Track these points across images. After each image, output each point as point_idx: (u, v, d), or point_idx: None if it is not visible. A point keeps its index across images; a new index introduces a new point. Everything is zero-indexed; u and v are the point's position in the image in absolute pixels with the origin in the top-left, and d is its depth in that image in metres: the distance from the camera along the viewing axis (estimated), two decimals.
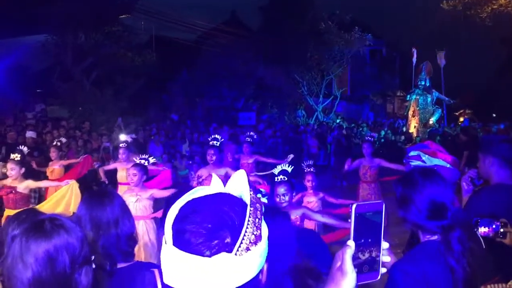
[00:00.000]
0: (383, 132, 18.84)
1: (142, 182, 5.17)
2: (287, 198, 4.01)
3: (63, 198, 5.75)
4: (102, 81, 17.95)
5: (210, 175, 5.88)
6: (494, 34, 23.23)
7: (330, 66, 22.94)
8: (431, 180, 1.92)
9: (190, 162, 11.59)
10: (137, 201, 5.05)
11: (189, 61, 22.83)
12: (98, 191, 2.66)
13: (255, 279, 0.89)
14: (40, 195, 7.87)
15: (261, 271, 0.92)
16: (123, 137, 9.54)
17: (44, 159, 9.11)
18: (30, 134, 10.72)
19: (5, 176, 6.26)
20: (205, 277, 0.83)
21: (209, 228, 0.86)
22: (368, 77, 27.99)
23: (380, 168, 7.23)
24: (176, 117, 20.05)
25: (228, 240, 0.86)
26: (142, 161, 5.38)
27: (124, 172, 6.97)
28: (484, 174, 2.84)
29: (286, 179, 4.09)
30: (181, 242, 0.86)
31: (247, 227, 0.87)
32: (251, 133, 8.93)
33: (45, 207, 5.51)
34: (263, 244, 0.91)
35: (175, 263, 0.86)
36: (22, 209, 2.48)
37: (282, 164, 4.57)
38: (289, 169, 4.35)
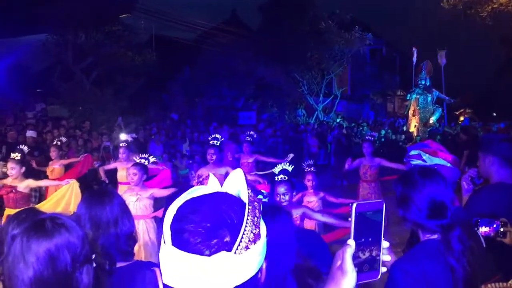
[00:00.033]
0: (383, 132, 18.84)
1: (142, 181, 5.17)
2: (287, 197, 4.01)
3: (63, 197, 5.75)
4: (103, 81, 17.96)
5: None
6: (495, 34, 23.22)
7: (330, 66, 22.93)
8: (431, 179, 1.92)
9: (191, 161, 11.61)
10: (137, 201, 5.05)
11: (189, 60, 22.83)
12: (98, 190, 2.66)
13: (255, 277, 0.89)
14: (41, 194, 7.87)
15: (260, 270, 0.92)
16: (123, 136, 9.55)
17: (44, 159, 9.12)
18: (30, 133, 10.72)
19: (5, 176, 6.26)
20: (204, 276, 0.83)
21: (208, 227, 0.86)
22: (368, 76, 27.99)
23: (380, 168, 7.23)
24: (176, 116, 20.05)
25: (227, 239, 0.86)
26: (142, 161, 5.38)
27: (124, 171, 6.98)
28: (484, 173, 2.85)
29: (287, 178, 4.09)
30: (180, 241, 0.86)
31: (246, 226, 0.87)
32: (251, 132, 8.94)
33: (45, 207, 5.51)
34: (262, 243, 0.91)
35: (174, 263, 0.85)
36: (22, 209, 2.47)
37: (282, 164, 4.57)
38: (290, 169, 4.35)
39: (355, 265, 1.00)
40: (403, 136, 19.24)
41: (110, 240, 1.94)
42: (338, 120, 22.60)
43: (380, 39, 29.20)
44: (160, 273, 0.90)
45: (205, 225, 0.86)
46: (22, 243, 1.26)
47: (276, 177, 4.15)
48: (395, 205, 2.00)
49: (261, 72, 21.59)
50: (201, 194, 0.94)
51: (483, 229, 2.13)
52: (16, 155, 5.76)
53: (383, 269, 1.07)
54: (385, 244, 1.07)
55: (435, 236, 1.87)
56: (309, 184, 5.57)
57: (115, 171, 7.52)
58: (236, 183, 0.96)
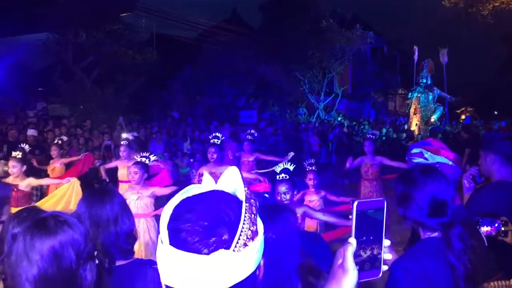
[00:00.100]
0: (384, 130, 18.84)
1: (143, 180, 5.18)
2: (288, 196, 4.01)
3: (64, 195, 5.75)
4: (103, 79, 17.98)
5: (211, 173, 5.90)
6: (496, 32, 23.19)
7: (331, 64, 22.91)
8: (432, 177, 1.91)
9: (192, 160, 11.60)
10: (138, 199, 5.05)
11: (190, 59, 22.83)
12: (99, 189, 2.67)
13: (253, 275, 0.89)
14: (42, 193, 7.87)
15: (258, 267, 0.92)
16: (124, 135, 9.54)
17: (45, 157, 9.13)
18: (31, 132, 10.73)
19: (6, 174, 6.28)
20: (204, 275, 0.83)
21: (205, 225, 0.86)
22: (369, 75, 27.98)
23: (382, 166, 7.22)
24: (177, 115, 20.06)
25: (225, 236, 0.85)
26: (143, 159, 5.38)
27: (125, 170, 6.98)
28: (486, 171, 2.84)
29: (288, 177, 4.08)
30: (177, 241, 0.86)
31: (243, 223, 0.87)
32: (252, 131, 8.94)
33: (46, 205, 5.51)
34: (260, 240, 0.91)
35: (172, 262, 0.85)
36: (23, 207, 2.48)
37: (283, 162, 4.57)
38: (291, 168, 4.34)
39: (356, 264, 1.00)
40: (404, 135, 19.22)
41: (110, 239, 1.94)
42: (339, 119, 22.59)
43: (381, 37, 29.19)
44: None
45: (202, 224, 0.86)
46: (25, 242, 1.26)
47: (277, 176, 4.15)
48: (397, 204, 2.00)
49: (262, 71, 21.58)
50: (196, 193, 0.94)
51: (484, 229, 2.13)
52: (17, 154, 5.78)
53: (384, 268, 1.06)
54: (386, 242, 1.06)
55: (435, 234, 1.87)
56: (310, 183, 5.57)
57: (115, 169, 7.52)
58: (231, 181, 0.96)
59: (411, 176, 1.96)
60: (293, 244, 1.80)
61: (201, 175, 6.30)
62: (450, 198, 1.88)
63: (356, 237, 1.01)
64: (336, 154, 14.54)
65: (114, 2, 17.19)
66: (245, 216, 0.88)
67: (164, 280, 0.88)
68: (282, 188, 4.02)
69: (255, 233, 0.89)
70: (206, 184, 0.98)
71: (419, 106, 21.01)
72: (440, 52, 22.11)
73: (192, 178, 6.60)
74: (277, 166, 4.44)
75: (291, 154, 7.36)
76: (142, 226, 4.97)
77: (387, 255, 1.08)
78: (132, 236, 2.05)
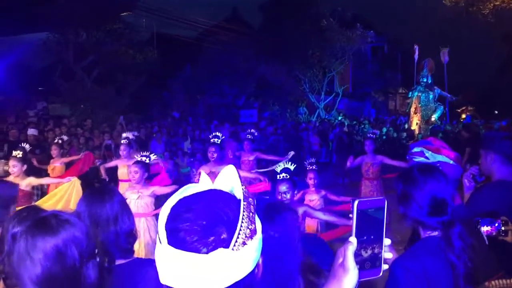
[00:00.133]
0: (385, 129, 18.82)
1: (143, 179, 5.18)
2: (288, 196, 4.01)
3: (64, 195, 5.75)
4: (104, 79, 17.99)
5: (212, 172, 5.90)
6: (497, 31, 23.17)
7: (331, 63, 22.91)
8: (432, 176, 1.91)
9: (192, 159, 11.59)
10: (138, 198, 5.06)
11: (190, 58, 22.83)
12: (99, 188, 2.66)
13: (252, 273, 0.89)
14: (42, 192, 7.87)
15: (257, 266, 0.92)
16: (125, 134, 9.54)
17: (46, 157, 9.13)
18: (31, 131, 10.74)
19: (7, 174, 6.28)
20: (203, 274, 0.83)
21: (204, 225, 0.86)
22: (370, 74, 27.96)
23: (382, 165, 7.22)
24: (178, 114, 20.05)
25: (224, 235, 0.85)
26: (143, 159, 5.38)
27: (125, 168, 6.98)
28: (486, 171, 2.84)
29: (288, 177, 4.08)
30: (176, 241, 0.85)
31: (242, 222, 0.87)
32: (252, 130, 8.93)
33: (46, 204, 5.51)
34: (258, 238, 0.91)
35: (171, 262, 0.85)
36: (23, 207, 2.47)
37: (283, 162, 4.56)
38: (291, 167, 4.34)
39: (356, 263, 1.00)
40: (404, 134, 19.21)
41: (109, 238, 1.94)
42: (339, 118, 22.58)
43: (381, 36, 29.16)
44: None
45: (200, 223, 0.86)
46: (27, 242, 1.26)
47: (277, 176, 4.15)
48: (397, 203, 2.00)
49: (262, 70, 21.58)
50: (193, 192, 0.94)
51: (485, 229, 2.13)
52: (18, 153, 5.78)
53: (385, 267, 1.06)
54: (387, 241, 1.06)
55: (435, 233, 1.87)
56: (310, 182, 5.56)
57: (115, 168, 7.52)
58: (228, 180, 0.96)
59: (411, 175, 1.96)
60: (295, 242, 1.80)
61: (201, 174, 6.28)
62: (450, 197, 1.88)
63: (356, 236, 1.01)
64: (337, 153, 14.53)
65: (115, 1, 17.20)
66: (243, 215, 0.88)
67: (162, 280, 0.87)
68: (283, 187, 4.02)
69: (253, 232, 0.89)
70: (203, 183, 0.98)
71: (419, 105, 21.00)
72: (441, 52, 22.09)
73: (193, 178, 6.60)
74: (277, 166, 4.44)
75: (291, 153, 7.35)
76: (142, 226, 4.98)
77: (388, 254, 1.08)
78: (132, 235, 2.05)
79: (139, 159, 5.31)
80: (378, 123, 21.51)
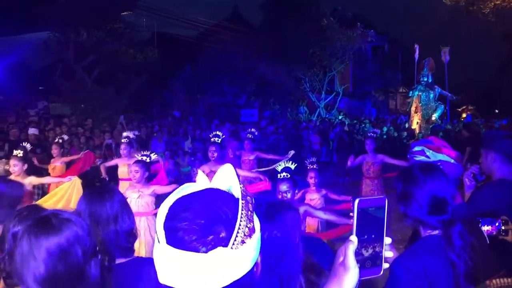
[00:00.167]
0: (385, 129, 18.82)
1: (144, 178, 5.18)
2: (289, 195, 4.01)
3: (65, 194, 5.75)
4: (104, 78, 17.99)
5: (212, 172, 5.90)
6: (497, 30, 23.16)
7: (332, 63, 22.91)
8: (432, 175, 1.91)
9: (193, 158, 11.59)
10: (139, 198, 5.06)
11: (191, 57, 22.83)
12: (99, 187, 2.66)
13: (251, 272, 0.89)
14: (43, 191, 7.88)
15: (256, 264, 0.91)
16: (125, 134, 9.54)
17: (46, 156, 9.13)
18: (32, 131, 10.73)
19: (8, 173, 6.28)
20: (202, 273, 0.83)
21: (202, 224, 0.85)
22: (370, 73, 27.96)
23: (383, 164, 7.21)
24: (178, 113, 20.05)
25: (223, 234, 0.85)
26: (144, 158, 5.38)
27: (125, 167, 6.97)
28: (487, 170, 2.84)
29: (289, 176, 4.08)
30: (174, 240, 0.85)
31: (240, 220, 0.87)
32: (252, 129, 8.93)
33: (47, 204, 5.51)
34: (257, 237, 0.91)
35: (170, 261, 0.85)
36: (23, 206, 2.47)
37: (284, 161, 4.56)
38: (292, 166, 4.34)
39: (357, 261, 1.00)
40: (405, 133, 19.22)
41: (110, 237, 1.94)
42: (340, 117, 22.57)
43: (382, 36, 29.15)
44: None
45: (199, 222, 0.85)
46: (30, 241, 1.25)
47: (278, 175, 4.14)
48: (397, 202, 2.00)
49: (263, 69, 21.58)
50: (191, 191, 0.93)
51: (485, 228, 2.13)
52: (19, 152, 5.78)
53: (385, 265, 1.06)
54: (387, 240, 1.06)
55: (436, 232, 1.87)
56: (311, 181, 5.56)
57: (116, 167, 7.51)
58: (226, 178, 0.95)
59: (411, 174, 1.95)
60: (296, 242, 1.80)
61: None
62: (450, 196, 1.88)
63: (357, 235, 1.01)
64: (337, 152, 14.54)
65: (115, 1, 17.20)
66: (242, 213, 0.87)
67: (162, 280, 0.87)
68: (283, 187, 4.02)
69: (252, 230, 0.89)
70: (200, 182, 0.97)
71: (420, 104, 21.00)
72: (442, 51, 22.10)
73: (194, 177, 6.57)
74: (278, 165, 4.44)
75: (292, 152, 7.35)
76: (142, 225, 4.98)
77: (388, 253, 1.08)
78: (132, 234, 2.05)
79: (139, 158, 5.31)
80: (379, 122, 21.51)
